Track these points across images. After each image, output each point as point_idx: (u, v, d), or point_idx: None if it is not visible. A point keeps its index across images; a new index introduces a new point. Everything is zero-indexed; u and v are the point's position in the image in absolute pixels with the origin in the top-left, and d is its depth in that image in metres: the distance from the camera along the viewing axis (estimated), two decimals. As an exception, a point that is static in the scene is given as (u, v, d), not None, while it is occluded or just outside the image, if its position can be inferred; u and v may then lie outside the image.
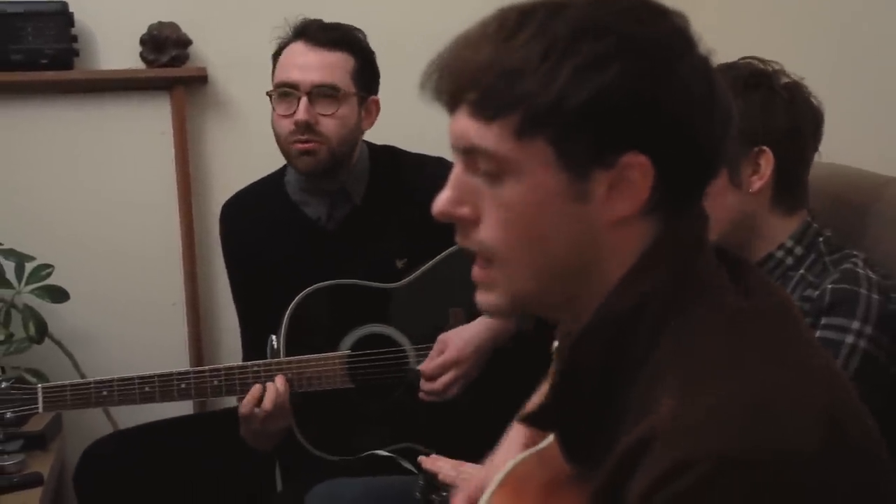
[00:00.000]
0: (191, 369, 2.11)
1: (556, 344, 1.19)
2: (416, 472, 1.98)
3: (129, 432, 2.29)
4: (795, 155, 1.63)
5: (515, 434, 1.42)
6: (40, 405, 1.99)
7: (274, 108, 2.15)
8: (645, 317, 0.95)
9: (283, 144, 2.16)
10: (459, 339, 2.09)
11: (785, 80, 1.63)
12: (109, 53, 2.69)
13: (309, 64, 2.11)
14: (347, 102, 2.13)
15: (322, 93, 2.10)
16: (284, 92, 2.12)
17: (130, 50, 2.67)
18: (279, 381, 2.04)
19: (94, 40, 2.69)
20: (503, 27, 0.94)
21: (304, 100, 2.09)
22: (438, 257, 2.14)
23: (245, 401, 2.03)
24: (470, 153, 0.96)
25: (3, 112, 2.65)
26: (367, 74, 2.18)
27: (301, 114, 2.08)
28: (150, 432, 2.25)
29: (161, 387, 2.04)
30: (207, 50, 2.74)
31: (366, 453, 2.11)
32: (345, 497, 1.85)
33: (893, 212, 1.70)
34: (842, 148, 1.80)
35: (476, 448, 1.56)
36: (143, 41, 2.66)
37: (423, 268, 2.17)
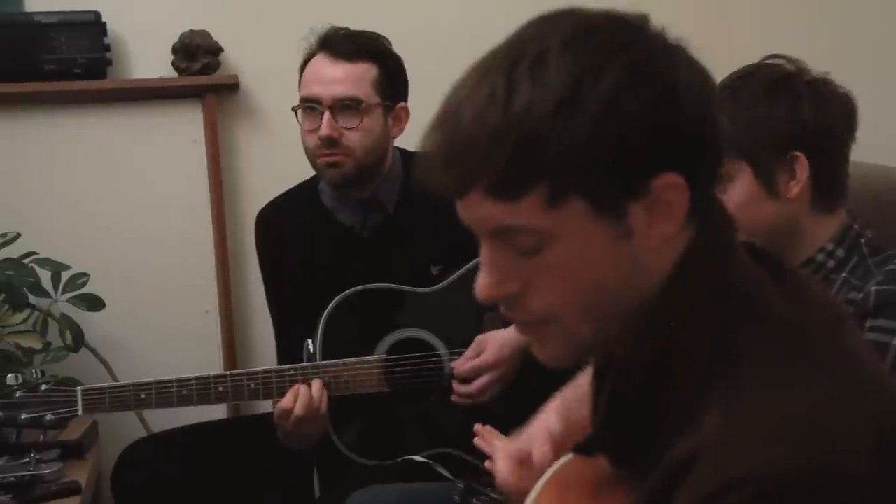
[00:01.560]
0: (227, 372, 2.11)
1: None
2: (451, 478, 1.98)
3: (165, 435, 2.30)
4: (830, 153, 1.61)
5: (548, 415, 1.41)
6: (80, 408, 2.00)
7: (301, 123, 2.15)
8: (685, 333, 0.93)
9: (310, 157, 2.17)
10: (497, 342, 2.08)
11: (808, 77, 1.61)
12: (142, 62, 2.71)
13: (330, 77, 2.11)
14: (371, 113, 2.12)
15: (344, 106, 2.10)
16: (309, 107, 2.13)
17: (162, 58, 2.68)
18: (315, 386, 2.03)
19: (126, 49, 2.70)
20: (495, 92, 0.89)
21: (326, 115, 2.09)
22: (474, 261, 2.13)
23: (279, 404, 2.02)
24: (500, 234, 0.93)
25: (36, 121, 2.67)
26: (392, 82, 2.17)
27: (324, 129, 2.09)
28: (186, 435, 2.26)
29: (198, 390, 2.04)
30: (238, 57, 2.75)
31: (402, 458, 2.10)
32: (385, 502, 1.84)
33: (936, 211, 1.68)
34: (882, 147, 1.78)
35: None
36: (174, 50, 2.67)
37: (459, 272, 2.16)
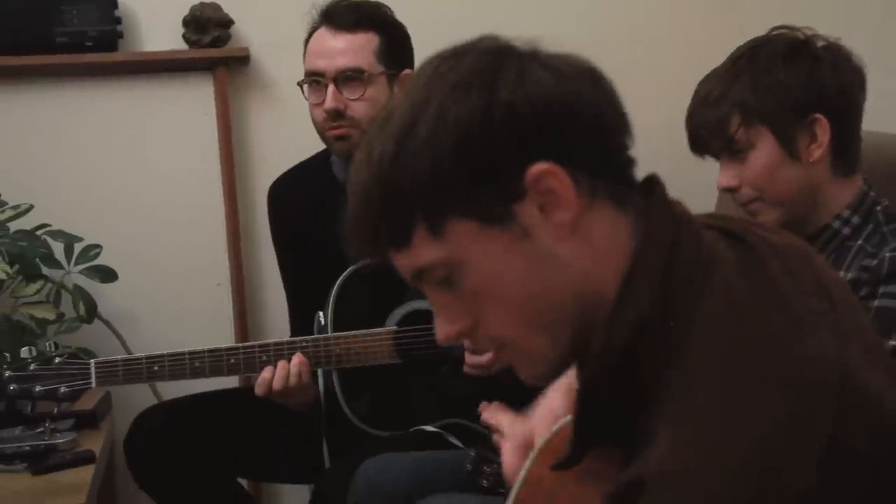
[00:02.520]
0: (240, 345, 2.12)
1: None
2: (462, 447, 1.99)
3: (176, 402, 2.31)
4: (848, 114, 1.62)
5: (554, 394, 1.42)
6: (93, 380, 2.01)
7: (307, 98, 2.16)
8: (642, 344, 0.92)
9: (319, 131, 2.18)
10: None
11: (822, 43, 1.61)
12: (153, 35, 2.71)
13: (331, 50, 2.11)
14: (375, 83, 2.12)
15: (347, 77, 2.11)
16: (313, 81, 2.14)
17: (173, 31, 2.68)
18: (294, 361, 2.04)
19: (137, 22, 2.70)
20: (362, 159, 0.96)
21: (330, 87, 2.10)
22: None
23: (257, 383, 2.04)
24: (421, 278, 0.98)
25: (48, 94, 2.67)
26: (395, 50, 2.16)
27: (329, 102, 2.10)
28: (197, 403, 2.27)
29: (211, 362, 2.05)
30: (249, 30, 2.75)
31: (413, 429, 2.11)
32: (394, 471, 1.85)
33: (950, 180, 1.68)
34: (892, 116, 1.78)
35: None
36: (185, 22, 2.66)
37: None
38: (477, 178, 0.92)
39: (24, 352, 2.03)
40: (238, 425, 2.23)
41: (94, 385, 2.02)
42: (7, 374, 1.99)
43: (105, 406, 2.39)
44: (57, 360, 2.03)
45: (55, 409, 2.21)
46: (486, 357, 2.06)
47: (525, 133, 0.92)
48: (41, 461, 2.00)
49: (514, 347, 0.98)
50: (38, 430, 2.17)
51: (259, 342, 2.14)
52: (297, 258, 2.31)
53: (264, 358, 2.08)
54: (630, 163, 0.99)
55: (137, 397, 2.56)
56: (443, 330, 1.00)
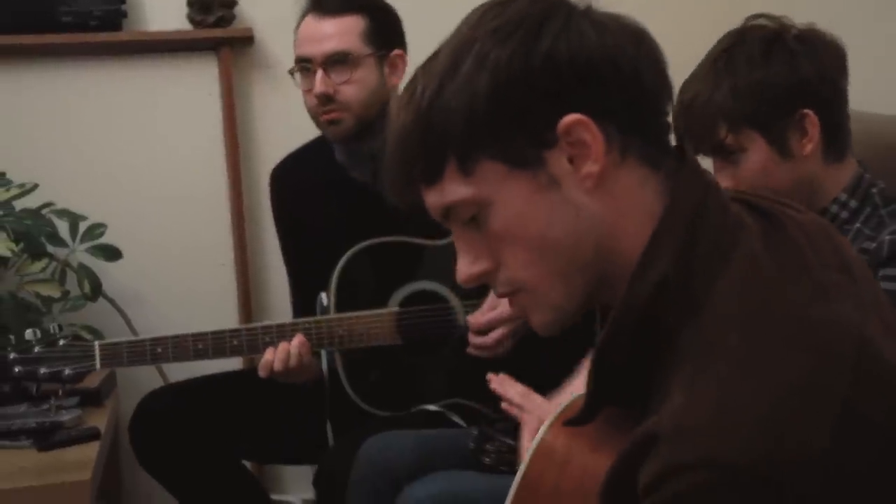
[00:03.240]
0: (242, 326, 2.14)
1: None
2: (465, 426, 2.00)
3: (182, 385, 2.32)
4: (834, 102, 1.61)
5: (579, 380, 1.43)
6: (97, 362, 2.02)
7: (298, 85, 2.17)
8: (664, 302, 0.93)
9: (312, 117, 2.19)
10: None
11: (796, 32, 1.61)
12: (157, 15, 2.72)
13: (318, 35, 2.12)
14: (363, 65, 2.13)
15: (335, 61, 2.11)
16: (303, 67, 2.15)
17: (178, 11, 2.69)
18: (295, 342, 2.05)
19: (142, 2, 2.71)
20: (405, 96, 0.99)
21: (319, 72, 2.11)
22: None
23: (259, 364, 2.06)
24: (448, 216, 1.00)
25: (52, 73, 2.69)
26: (383, 31, 2.17)
27: (318, 86, 2.11)
28: (203, 385, 2.28)
29: (214, 343, 2.07)
30: (253, 10, 2.75)
31: (416, 408, 2.13)
32: (396, 449, 1.86)
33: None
34: (888, 97, 1.78)
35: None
36: (190, 2, 2.67)
37: None
38: (510, 121, 0.94)
39: (28, 333, 2.04)
40: (242, 407, 2.24)
41: (98, 367, 2.03)
42: (12, 356, 2.00)
43: (110, 384, 2.41)
44: (61, 342, 2.04)
45: (60, 389, 2.23)
46: (490, 338, 2.08)
47: (561, 83, 0.94)
48: (46, 438, 2.02)
49: (529, 293, 1.00)
50: (44, 407, 2.18)
51: (261, 323, 2.15)
52: (298, 241, 2.32)
53: (267, 339, 2.09)
54: (665, 127, 1.00)
55: (142, 375, 2.57)
56: (465, 270, 1.02)
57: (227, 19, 2.68)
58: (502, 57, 0.94)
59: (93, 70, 2.71)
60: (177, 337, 2.06)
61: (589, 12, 0.98)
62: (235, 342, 2.08)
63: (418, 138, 0.97)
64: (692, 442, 0.84)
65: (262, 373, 2.07)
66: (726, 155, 1.62)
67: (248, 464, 2.43)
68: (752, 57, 1.58)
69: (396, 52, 2.19)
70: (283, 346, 2.06)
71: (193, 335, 2.06)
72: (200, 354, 2.07)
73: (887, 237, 1.52)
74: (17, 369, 1.98)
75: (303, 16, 2.18)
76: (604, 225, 0.96)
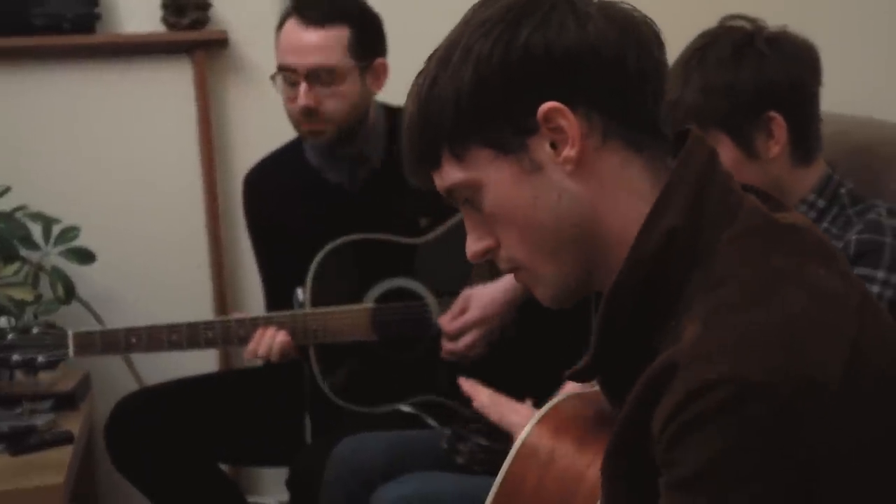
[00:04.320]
0: (217, 319, 2.15)
1: None
2: (438, 426, 2.01)
3: (157, 388, 2.32)
4: (803, 105, 1.63)
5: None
6: (71, 349, 2.03)
7: (279, 91, 2.16)
8: (673, 251, 0.97)
9: (293, 123, 2.19)
10: (483, 298, 2.09)
11: (768, 34, 1.62)
12: (131, 17, 2.71)
13: (302, 46, 2.11)
14: (347, 78, 2.13)
15: (319, 74, 2.11)
16: (285, 76, 2.14)
17: (152, 13, 2.68)
18: (278, 338, 2.07)
19: (115, 4, 2.70)
20: (417, 85, 1.05)
21: (303, 85, 2.10)
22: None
23: (245, 353, 2.09)
24: (451, 197, 1.07)
25: (26, 76, 2.67)
26: (366, 40, 2.16)
27: (301, 99, 2.10)
28: (178, 388, 2.28)
29: (188, 335, 2.08)
30: (227, 13, 2.75)
31: (390, 408, 2.13)
32: (370, 450, 1.87)
33: (917, 162, 1.70)
34: (861, 98, 1.79)
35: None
36: (164, 4, 2.66)
37: (449, 222, 2.17)
38: (493, 110, 1.01)
39: (1, 321, 2.04)
40: (218, 410, 2.25)
41: (71, 355, 2.04)
42: None
43: (84, 387, 2.40)
44: (35, 329, 2.04)
45: (34, 390, 2.23)
46: (461, 344, 2.08)
47: (539, 73, 1.00)
48: (20, 441, 2.01)
49: (527, 270, 1.06)
50: (17, 410, 2.17)
51: (236, 317, 2.16)
52: (273, 246, 2.32)
53: (241, 332, 2.10)
54: (652, 111, 1.03)
55: (116, 379, 2.57)
56: (471, 247, 1.08)
57: (201, 21, 2.68)
58: (484, 49, 1.00)
59: (66, 73, 2.70)
60: (151, 327, 2.07)
61: (574, 3, 1.02)
62: (210, 334, 2.09)
63: (418, 127, 1.04)
64: (713, 362, 0.87)
65: (247, 356, 2.09)
66: None
67: (224, 466, 2.43)
68: (723, 58, 1.60)
69: (379, 60, 2.19)
70: (268, 333, 2.07)
71: (168, 326, 2.08)
72: (175, 345, 2.08)
73: (854, 237, 1.54)
74: None
75: (285, 17, 2.17)
76: (587, 205, 1.01)
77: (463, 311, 2.10)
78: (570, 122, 0.99)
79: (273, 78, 2.17)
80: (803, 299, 0.91)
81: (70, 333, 2.03)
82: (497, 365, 2.11)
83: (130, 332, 2.06)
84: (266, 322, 2.10)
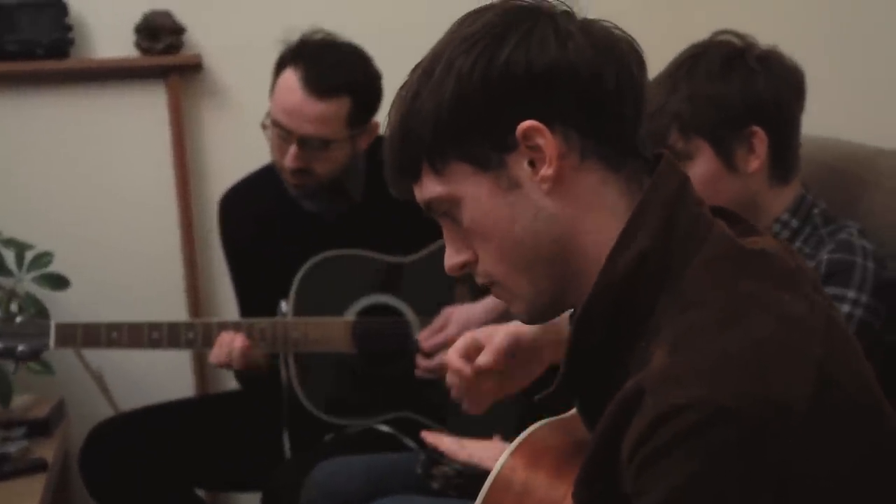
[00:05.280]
0: (198, 320, 2.15)
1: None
2: (416, 446, 2.01)
3: (132, 414, 2.31)
4: (785, 125, 1.64)
5: None
6: (51, 340, 2.03)
7: (269, 139, 2.14)
8: (643, 274, 0.97)
9: (277, 168, 2.17)
10: (461, 317, 2.10)
11: (759, 52, 1.64)
12: (104, 42, 2.71)
13: (301, 114, 2.08)
14: (340, 146, 2.12)
15: (312, 142, 2.09)
16: (277, 131, 2.11)
17: (125, 38, 2.67)
18: (237, 343, 2.06)
19: (89, 29, 2.69)
20: (400, 97, 1.05)
21: (293, 148, 2.09)
22: None
23: (211, 357, 2.09)
24: (430, 210, 1.07)
25: (-1, 102, 2.66)
26: (365, 108, 2.14)
27: (290, 161, 2.09)
28: (153, 414, 2.27)
29: (169, 334, 2.08)
30: (201, 37, 2.74)
31: (365, 422, 2.13)
32: (347, 474, 1.86)
33: (886, 182, 1.72)
34: (834, 120, 1.81)
35: (473, 419, 1.58)
36: (137, 29, 2.66)
37: (435, 244, 2.17)
38: (472, 126, 1.01)
39: None
40: (194, 435, 2.23)
41: (51, 345, 2.04)
42: None
43: (58, 414, 2.38)
44: (18, 319, 2.04)
45: (7, 416, 2.21)
46: (435, 362, 2.09)
47: (518, 92, 1.00)
48: (-8, 469, 2.00)
49: (502, 286, 1.06)
50: (-10, 438, 2.16)
51: (218, 320, 2.16)
52: (248, 271, 2.31)
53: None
54: (630, 130, 1.03)
55: (91, 406, 2.56)
56: (449, 259, 1.08)
57: (175, 46, 2.68)
58: (466, 65, 1.00)
59: (40, 98, 2.69)
60: (132, 324, 2.07)
61: (556, 21, 1.02)
62: (191, 335, 2.10)
63: (399, 139, 1.04)
64: (682, 386, 0.87)
65: (212, 360, 2.09)
66: None
67: (201, 492, 2.42)
68: (712, 69, 1.61)
69: (373, 121, 2.17)
70: (226, 337, 2.06)
71: (149, 324, 2.08)
72: (155, 344, 2.08)
73: (826, 256, 1.55)
74: None
75: (285, 61, 2.12)
76: (563, 224, 1.01)
77: (442, 329, 2.10)
78: (547, 141, 0.99)
79: (264, 126, 2.14)
80: (771, 324, 0.91)
81: (52, 324, 2.04)
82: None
83: (112, 327, 2.06)
84: (248, 326, 2.10)
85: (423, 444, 1.76)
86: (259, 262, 2.26)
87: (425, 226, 2.07)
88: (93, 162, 2.73)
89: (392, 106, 1.06)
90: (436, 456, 1.67)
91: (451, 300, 2.16)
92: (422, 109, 1.01)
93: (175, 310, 2.75)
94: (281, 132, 2.10)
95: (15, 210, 2.61)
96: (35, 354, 2.05)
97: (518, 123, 0.99)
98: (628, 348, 0.97)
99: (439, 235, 1.09)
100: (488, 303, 2.09)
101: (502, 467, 1.13)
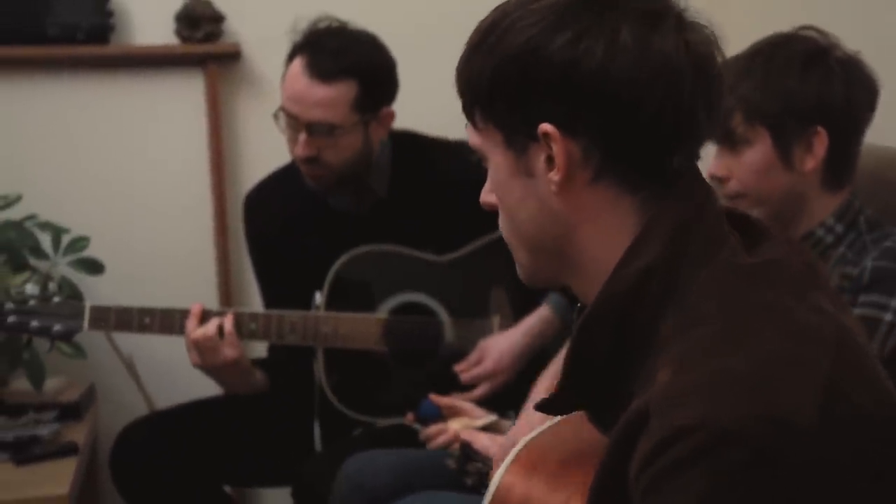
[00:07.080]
0: (231, 309, 2.15)
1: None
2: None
3: (162, 414, 2.31)
4: (850, 133, 1.62)
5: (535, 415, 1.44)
6: (86, 322, 2.05)
7: (281, 129, 2.14)
8: (648, 291, 0.95)
9: (294, 162, 2.18)
10: (497, 350, 2.12)
11: (840, 54, 1.61)
12: (145, 29, 2.71)
13: (307, 98, 2.08)
14: (349, 132, 2.10)
15: (320, 128, 2.08)
16: (287, 119, 2.11)
17: (165, 26, 2.68)
18: (227, 321, 2.06)
19: (129, 16, 2.70)
20: (469, 39, 1.05)
21: (303, 136, 2.08)
22: (490, 237, 2.12)
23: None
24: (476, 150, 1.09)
25: (38, 85, 2.67)
26: (374, 93, 2.12)
27: (301, 149, 2.09)
28: (183, 413, 2.26)
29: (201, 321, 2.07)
30: (241, 26, 2.75)
31: (391, 421, 2.13)
32: (378, 468, 1.86)
33: (933, 190, 1.70)
34: (881, 127, 1.79)
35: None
36: (177, 17, 2.67)
37: (473, 245, 2.17)
38: (509, 102, 1.01)
39: (29, 288, 2.07)
40: (223, 433, 2.23)
41: (85, 327, 2.05)
42: (7, 305, 2.04)
43: (89, 398, 2.39)
44: (55, 299, 2.06)
45: (39, 400, 2.22)
46: (476, 394, 2.10)
47: (551, 90, 0.98)
48: (24, 451, 2.01)
49: (509, 245, 1.08)
50: (22, 420, 2.17)
51: (250, 311, 2.15)
52: (273, 269, 2.31)
53: (252, 326, 2.10)
54: (662, 155, 0.99)
55: (121, 392, 2.57)
56: (483, 194, 1.10)
57: (214, 35, 2.68)
58: (517, 43, 0.98)
59: (79, 83, 2.70)
60: (165, 310, 2.08)
61: (622, 24, 0.96)
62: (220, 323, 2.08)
63: (461, 84, 1.05)
64: (687, 407, 0.85)
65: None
66: (732, 144, 1.63)
67: (228, 489, 2.42)
68: (791, 62, 1.59)
69: (385, 110, 2.16)
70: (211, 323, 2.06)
71: (181, 311, 2.09)
72: (185, 330, 2.08)
73: (870, 263, 1.53)
74: (10, 319, 2.03)
75: (295, 51, 2.13)
76: (565, 226, 1.02)
77: (479, 362, 2.11)
78: (559, 149, 0.98)
79: (276, 116, 2.14)
80: (776, 339, 0.89)
81: (87, 305, 2.06)
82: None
83: (144, 312, 2.08)
84: (279, 318, 2.10)
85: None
86: (284, 259, 2.26)
87: (453, 224, 2.09)
88: (129, 149, 2.74)
89: (468, 40, 1.05)
90: (470, 452, 1.66)
91: (486, 303, 2.15)
92: (473, 66, 1.02)
93: (206, 299, 2.74)
94: (290, 121, 2.11)
95: (52, 194, 2.62)
96: (69, 335, 2.08)
97: (542, 121, 0.98)
98: (633, 363, 0.95)
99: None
100: (519, 335, 2.10)
101: (502, 478, 1.13)
